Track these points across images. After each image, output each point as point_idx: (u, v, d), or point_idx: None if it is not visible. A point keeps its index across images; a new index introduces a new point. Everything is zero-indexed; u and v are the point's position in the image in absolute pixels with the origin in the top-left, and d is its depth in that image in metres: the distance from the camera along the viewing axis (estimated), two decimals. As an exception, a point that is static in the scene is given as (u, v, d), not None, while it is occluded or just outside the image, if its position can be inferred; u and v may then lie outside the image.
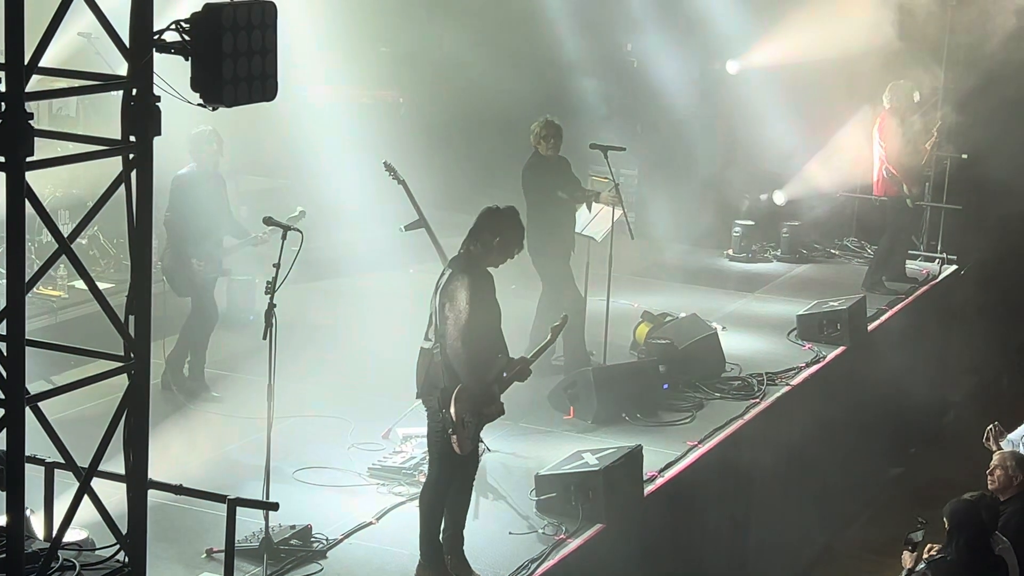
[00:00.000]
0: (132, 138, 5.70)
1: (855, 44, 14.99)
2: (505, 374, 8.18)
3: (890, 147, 14.56)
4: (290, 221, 9.06)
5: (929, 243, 16.54)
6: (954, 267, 16.22)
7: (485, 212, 8.25)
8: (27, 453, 5.46)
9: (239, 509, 6.48)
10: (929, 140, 15.09)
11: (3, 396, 5.36)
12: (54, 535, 5.83)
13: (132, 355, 5.85)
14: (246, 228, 11.10)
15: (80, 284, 10.81)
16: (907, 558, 8.96)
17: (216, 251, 10.92)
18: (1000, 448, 9.70)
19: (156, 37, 5.68)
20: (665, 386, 11.49)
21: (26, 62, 5.25)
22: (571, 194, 11.72)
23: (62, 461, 5.80)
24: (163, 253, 10.80)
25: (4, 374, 5.35)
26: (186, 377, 11.00)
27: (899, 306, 14.60)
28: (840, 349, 12.99)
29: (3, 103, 5.21)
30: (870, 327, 13.71)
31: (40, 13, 5.43)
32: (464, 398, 7.95)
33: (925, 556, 8.83)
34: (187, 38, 5.69)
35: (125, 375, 5.86)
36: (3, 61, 5.25)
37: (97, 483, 5.85)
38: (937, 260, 16.22)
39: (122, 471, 5.96)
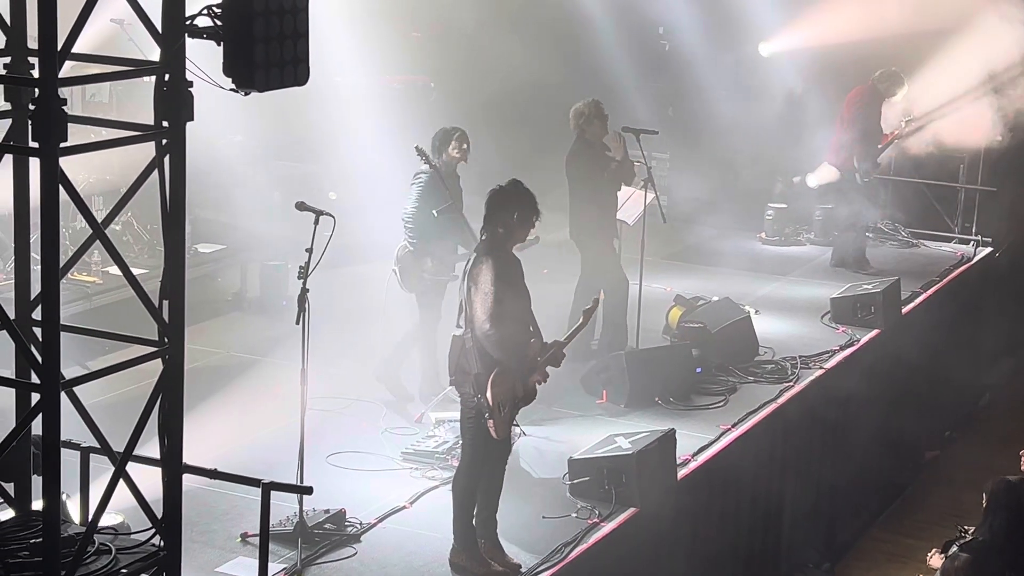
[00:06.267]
0: (165, 123, 5.73)
1: (889, 27, 14.89)
2: (539, 358, 8.17)
3: (854, 117, 14.41)
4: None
5: (964, 225, 16.43)
6: (989, 249, 16.12)
7: (492, 194, 8.21)
8: (62, 438, 5.49)
9: (273, 493, 6.50)
10: (896, 130, 14.84)
11: (38, 381, 5.39)
12: (90, 519, 5.86)
13: (166, 340, 5.87)
14: (476, 233, 10.86)
15: (114, 270, 10.80)
16: (936, 560, 8.95)
17: (451, 255, 10.50)
18: None
19: (188, 22, 5.70)
20: (698, 370, 11.46)
21: (59, 48, 5.27)
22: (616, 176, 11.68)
23: (97, 446, 5.83)
24: (401, 246, 10.49)
25: (40, 359, 5.38)
26: (399, 378, 10.71)
27: (933, 289, 14.52)
28: (874, 332, 12.92)
29: (37, 89, 5.24)
30: (904, 310, 13.64)
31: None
32: (500, 382, 7.94)
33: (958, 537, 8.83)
34: (219, 23, 5.69)
35: (159, 360, 5.88)
36: (36, 47, 5.27)
37: (132, 467, 5.88)
38: (972, 242, 16.13)
39: (157, 455, 5.99)
